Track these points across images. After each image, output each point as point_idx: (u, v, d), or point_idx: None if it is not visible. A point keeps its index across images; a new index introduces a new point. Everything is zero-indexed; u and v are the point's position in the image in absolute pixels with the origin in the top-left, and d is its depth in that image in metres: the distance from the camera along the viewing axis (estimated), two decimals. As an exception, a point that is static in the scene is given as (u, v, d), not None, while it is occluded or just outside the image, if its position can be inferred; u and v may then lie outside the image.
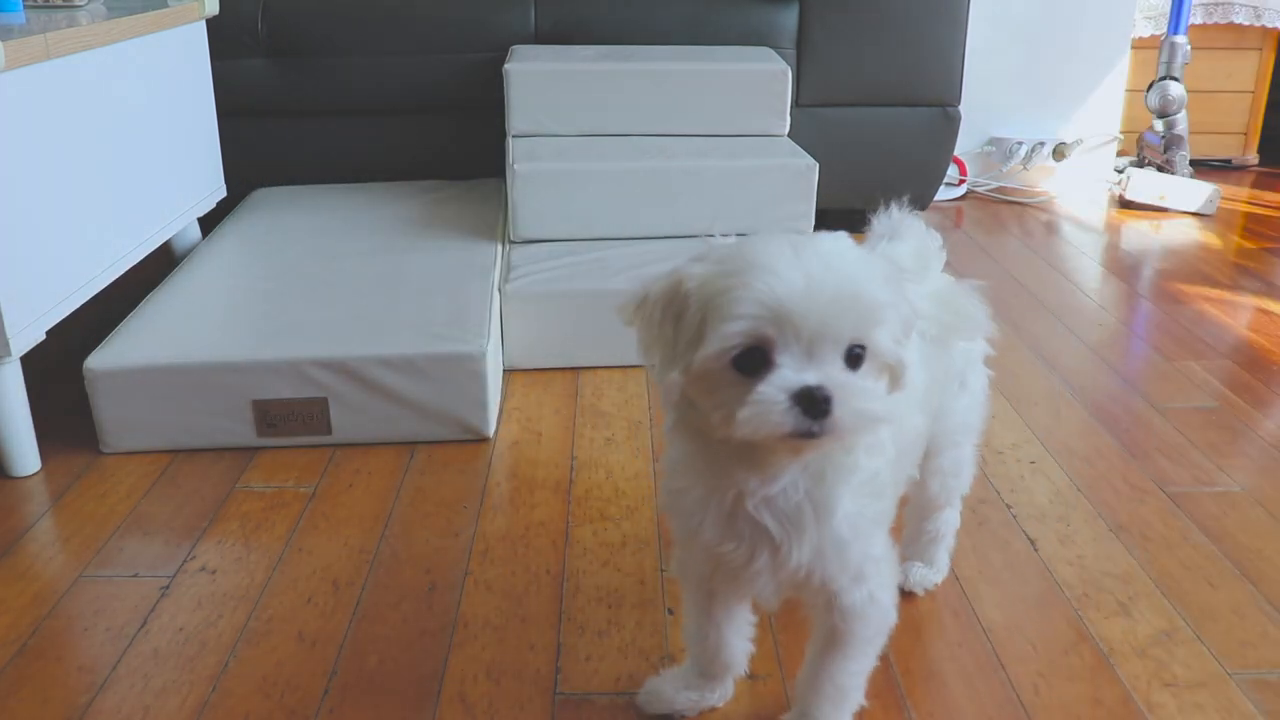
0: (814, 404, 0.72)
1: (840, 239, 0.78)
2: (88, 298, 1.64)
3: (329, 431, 1.61)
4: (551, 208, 2.05)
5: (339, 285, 1.84)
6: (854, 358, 0.75)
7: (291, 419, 1.59)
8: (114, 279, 1.73)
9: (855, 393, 0.73)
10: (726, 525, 0.85)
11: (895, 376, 0.80)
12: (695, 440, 0.83)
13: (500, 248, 2.03)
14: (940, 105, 2.54)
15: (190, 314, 1.74)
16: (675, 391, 0.79)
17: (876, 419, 0.75)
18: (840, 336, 0.74)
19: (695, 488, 0.85)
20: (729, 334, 0.73)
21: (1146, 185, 2.92)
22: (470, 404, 1.61)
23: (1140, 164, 3.09)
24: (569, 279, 1.90)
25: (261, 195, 2.41)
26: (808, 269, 0.73)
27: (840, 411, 0.72)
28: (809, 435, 0.73)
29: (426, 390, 1.60)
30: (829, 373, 0.73)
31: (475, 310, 1.71)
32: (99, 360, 1.56)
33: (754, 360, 0.74)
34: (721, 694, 1.06)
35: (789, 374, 0.72)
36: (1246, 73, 3.30)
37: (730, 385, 0.75)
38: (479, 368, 1.59)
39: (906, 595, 1.23)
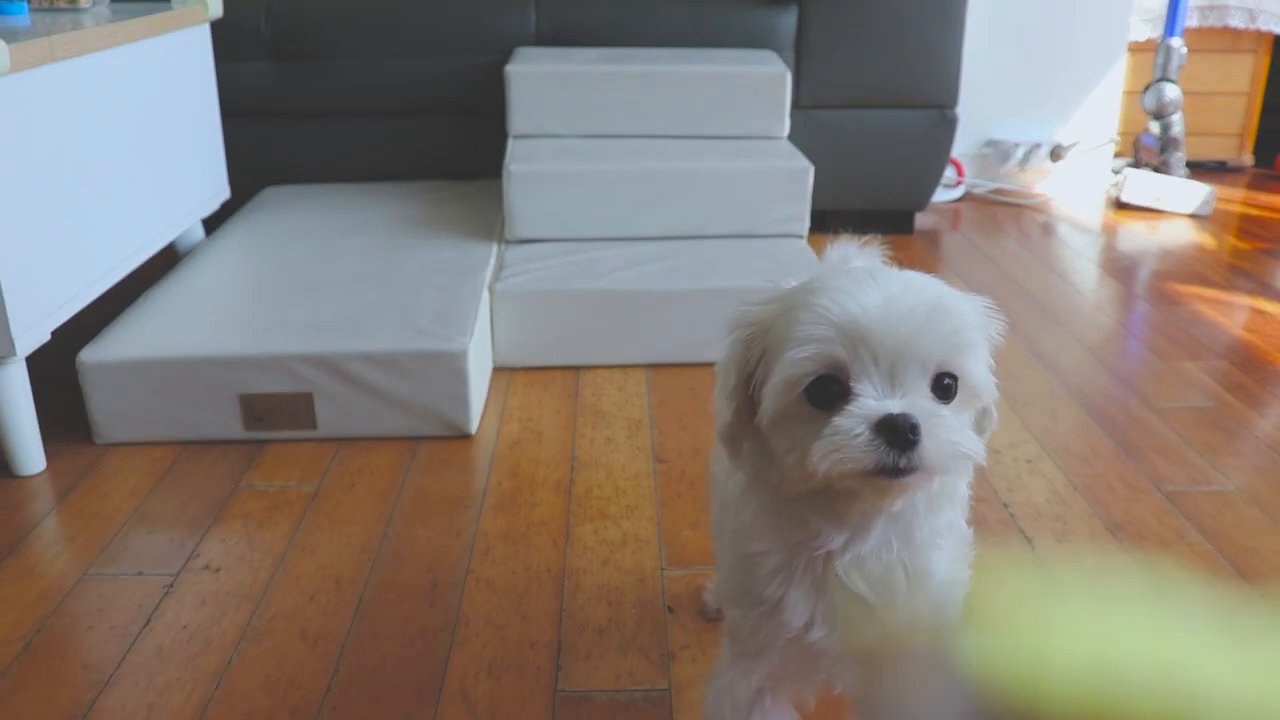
0: (898, 435, 0.62)
1: (921, 274, 0.69)
2: (92, 299, 1.65)
3: (314, 426, 1.62)
4: (547, 208, 2.07)
5: (333, 283, 1.86)
6: (944, 389, 0.66)
7: (277, 413, 1.61)
8: (118, 280, 1.74)
9: (945, 423, 0.63)
10: (816, 597, 0.74)
11: (986, 416, 0.71)
12: (774, 497, 0.72)
13: (495, 247, 2.04)
14: (938, 107, 2.55)
15: (184, 310, 1.76)
16: (739, 439, 0.70)
17: (968, 456, 0.65)
18: (925, 359, 0.64)
19: (776, 551, 0.74)
20: (795, 360, 0.64)
21: (1143, 187, 2.94)
22: (452, 401, 1.62)
23: (1136, 166, 3.10)
24: (561, 278, 1.91)
25: (270, 194, 2.42)
26: (885, 288, 0.64)
27: (930, 443, 0.62)
28: (895, 473, 0.63)
29: (409, 387, 1.61)
30: (915, 401, 0.64)
31: (461, 309, 1.72)
32: (92, 354, 1.59)
33: (829, 391, 0.64)
34: None
35: (869, 402, 0.63)
36: (1242, 75, 3.32)
37: (805, 421, 0.66)
38: (460, 365, 1.61)
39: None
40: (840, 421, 0.63)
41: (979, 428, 0.71)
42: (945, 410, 0.65)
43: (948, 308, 0.65)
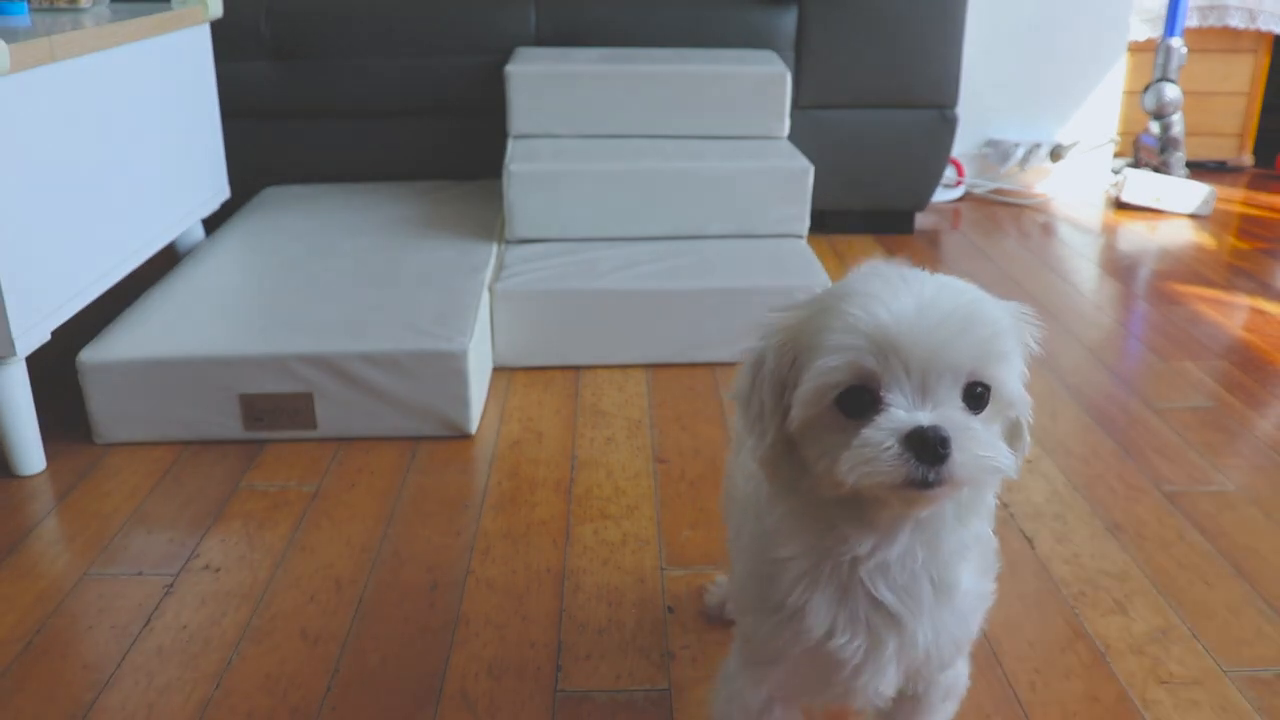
0: (928, 448, 0.60)
1: (955, 278, 0.67)
2: (92, 299, 1.65)
3: (314, 426, 1.62)
4: (546, 208, 2.07)
5: (333, 283, 1.86)
6: (976, 398, 0.64)
7: (277, 413, 1.61)
8: (118, 280, 1.74)
9: (976, 436, 0.62)
10: (839, 604, 0.72)
11: (1018, 432, 0.70)
12: (802, 501, 0.71)
13: (495, 247, 2.04)
14: (938, 107, 2.55)
15: (184, 309, 1.76)
16: (780, 463, 0.69)
17: (998, 470, 0.63)
18: (958, 368, 0.62)
19: (802, 557, 0.72)
20: (824, 369, 0.63)
21: (1143, 187, 2.94)
22: (453, 400, 1.62)
23: (1136, 166, 3.10)
24: (561, 278, 1.91)
25: (270, 194, 2.42)
26: (917, 294, 0.63)
27: (960, 456, 0.61)
28: (924, 485, 0.61)
29: (409, 386, 1.61)
30: (946, 413, 0.62)
31: (462, 308, 1.72)
32: (92, 354, 1.59)
33: (860, 401, 0.63)
34: None
35: (899, 414, 0.61)
36: (1241, 75, 3.32)
37: (835, 430, 0.64)
38: (461, 365, 1.61)
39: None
40: (869, 434, 0.61)
41: (1010, 442, 0.69)
42: (976, 422, 0.63)
43: (982, 315, 0.63)
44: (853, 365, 0.62)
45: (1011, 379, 0.65)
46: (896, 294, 0.63)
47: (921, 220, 2.82)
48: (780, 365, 0.67)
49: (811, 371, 0.64)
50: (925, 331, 0.61)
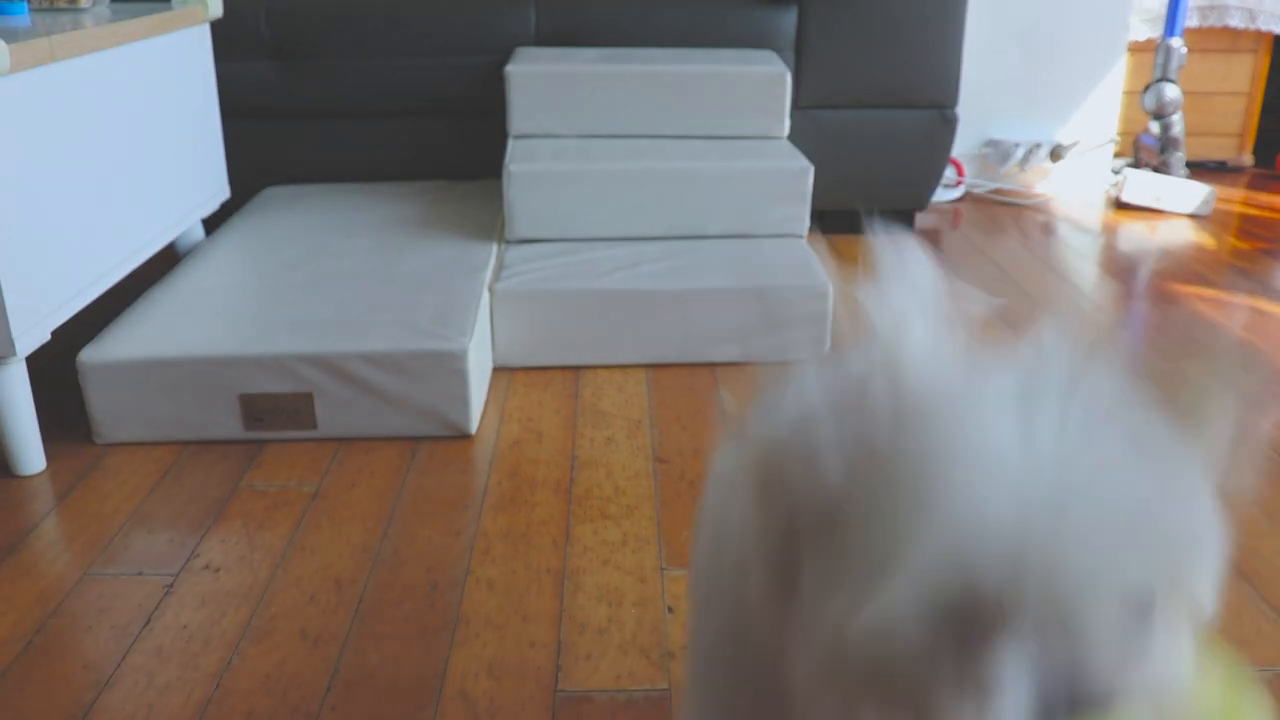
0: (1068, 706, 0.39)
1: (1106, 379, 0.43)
2: (92, 299, 1.65)
3: (314, 426, 1.62)
4: (546, 208, 2.07)
5: (333, 283, 1.86)
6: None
7: (277, 413, 1.61)
8: (118, 280, 1.74)
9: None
10: None
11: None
12: None
13: (495, 247, 2.04)
14: (938, 107, 2.55)
15: (184, 309, 1.76)
16: None
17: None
18: (1118, 587, 0.41)
19: None
20: (896, 599, 0.39)
21: (1142, 187, 2.94)
22: (453, 401, 1.62)
23: (1136, 166, 3.10)
24: (561, 278, 1.91)
25: (270, 194, 2.42)
26: (1048, 466, 0.40)
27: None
28: None
29: (410, 387, 1.61)
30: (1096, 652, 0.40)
31: (462, 308, 1.72)
32: (92, 354, 1.59)
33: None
34: None
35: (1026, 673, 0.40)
36: (1242, 75, 3.32)
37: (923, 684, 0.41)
38: (461, 365, 1.61)
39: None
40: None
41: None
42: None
43: (1163, 510, 0.45)
44: (950, 586, 0.41)
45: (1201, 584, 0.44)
46: (1013, 459, 0.40)
47: (922, 220, 2.82)
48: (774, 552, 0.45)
49: (887, 587, 0.41)
50: (1073, 549, 0.40)
